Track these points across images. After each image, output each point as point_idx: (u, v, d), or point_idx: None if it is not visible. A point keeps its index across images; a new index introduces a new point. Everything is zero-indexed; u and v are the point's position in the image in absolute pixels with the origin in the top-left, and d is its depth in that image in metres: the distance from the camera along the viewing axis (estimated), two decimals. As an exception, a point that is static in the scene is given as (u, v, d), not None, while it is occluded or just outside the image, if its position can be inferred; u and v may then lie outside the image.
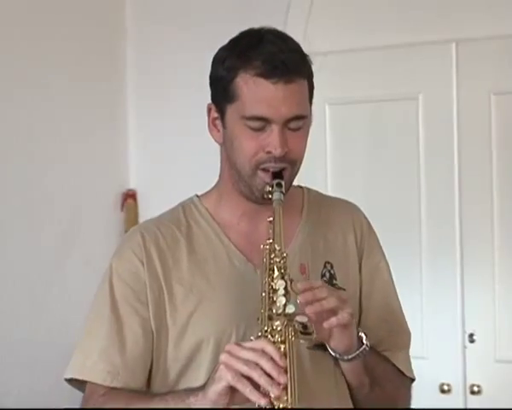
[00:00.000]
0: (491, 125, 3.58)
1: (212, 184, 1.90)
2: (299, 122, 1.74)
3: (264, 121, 1.71)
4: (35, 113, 3.78)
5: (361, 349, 1.71)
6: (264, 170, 1.73)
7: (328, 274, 1.83)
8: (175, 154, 4.04)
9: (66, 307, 3.84)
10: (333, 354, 1.72)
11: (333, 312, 1.61)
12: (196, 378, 1.76)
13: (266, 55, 1.70)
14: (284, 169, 1.73)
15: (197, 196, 1.91)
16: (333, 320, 1.61)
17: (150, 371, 1.82)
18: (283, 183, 1.73)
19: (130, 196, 4.18)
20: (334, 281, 1.82)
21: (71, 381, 1.82)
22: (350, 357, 1.72)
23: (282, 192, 1.72)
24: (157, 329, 1.79)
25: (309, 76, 1.77)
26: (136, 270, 1.80)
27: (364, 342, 1.72)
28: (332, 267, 1.84)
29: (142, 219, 4.02)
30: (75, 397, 1.87)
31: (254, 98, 1.71)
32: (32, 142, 3.78)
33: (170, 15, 4.05)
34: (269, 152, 1.72)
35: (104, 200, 4.14)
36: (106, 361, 1.78)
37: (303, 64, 1.76)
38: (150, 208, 3.71)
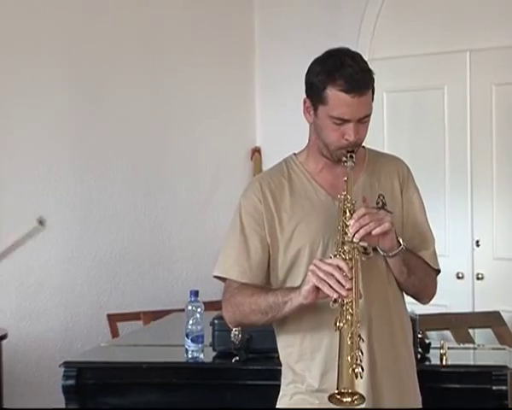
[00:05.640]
0: (492, 107, 4.37)
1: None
2: (366, 118, 2.03)
3: (344, 120, 2.01)
4: (198, 97, 4.72)
5: (399, 248, 2.00)
6: (342, 148, 2.04)
7: (381, 203, 2.10)
8: (288, 121, 4.55)
9: (215, 224, 4.84)
10: (381, 252, 2.00)
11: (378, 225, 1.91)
12: (297, 275, 2.04)
13: (347, 76, 1.98)
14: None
15: (294, 154, 2.19)
16: (377, 230, 1.91)
17: (268, 272, 2.10)
18: (354, 155, 2.03)
19: (256, 151, 4.92)
20: (385, 207, 2.10)
21: (216, 277, 2.16)
22: (392, 254, 2.00)
23: (353, 161, 2.02)
24: (271, 242, 2.09)
25: (372, 84, 2.05)
26: (256, 204, 2.10)
27: (402, 243, 2.00)
28: (384, 198, 2.11)
29: (264, 167, 4.76)
30: (220, 283, 2.18)
31: (338, 106, 2.00)
32: (190, 117, 4.76)
33: (283, 32, 5.01)
34: (346, 139, 2.02)
35: (239, 153, 4.97)
36: (238, 265, 2.09)
37: (370, 79, 2.03)
38: (270, 160, 4.33)
